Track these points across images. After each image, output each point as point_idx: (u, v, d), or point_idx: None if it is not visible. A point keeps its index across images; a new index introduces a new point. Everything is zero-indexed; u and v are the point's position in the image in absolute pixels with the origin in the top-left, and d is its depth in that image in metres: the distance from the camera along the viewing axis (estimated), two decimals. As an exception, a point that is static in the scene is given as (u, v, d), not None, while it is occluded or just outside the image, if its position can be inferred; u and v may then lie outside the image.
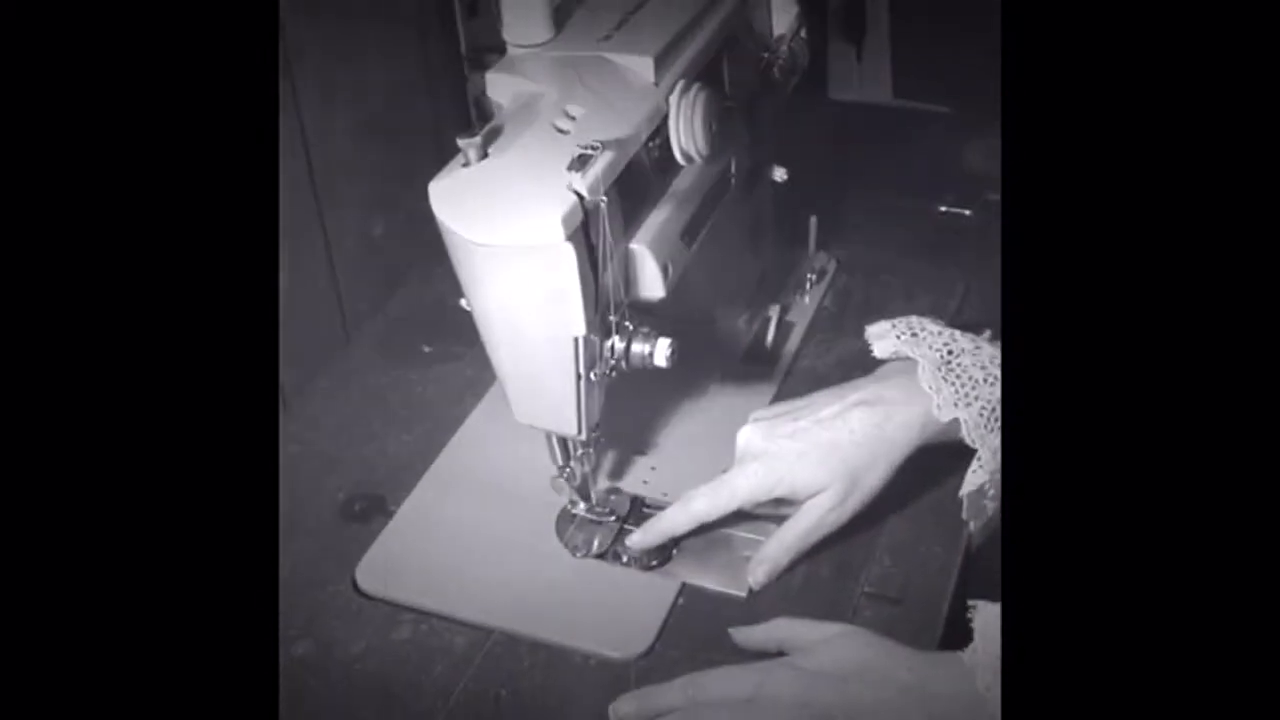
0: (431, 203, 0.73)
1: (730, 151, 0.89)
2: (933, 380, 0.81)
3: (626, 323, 0.77)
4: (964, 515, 0.84)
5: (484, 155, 0.73)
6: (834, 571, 0.82)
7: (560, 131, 0.74)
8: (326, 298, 1.05)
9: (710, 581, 0.82)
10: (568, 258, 0.70)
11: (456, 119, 1.11)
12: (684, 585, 0.81)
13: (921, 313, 0.87)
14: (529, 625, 0.79)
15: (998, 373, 0.81)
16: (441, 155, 0.74)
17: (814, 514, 0.81)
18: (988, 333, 0.86)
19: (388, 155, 1.06)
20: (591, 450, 0.82)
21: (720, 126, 0.81)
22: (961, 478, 0.82)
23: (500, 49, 0.83)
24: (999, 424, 0.80)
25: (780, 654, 0.74)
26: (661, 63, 0.80)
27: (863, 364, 0.88)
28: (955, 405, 0.80)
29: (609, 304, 0.75)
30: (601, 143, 0.71)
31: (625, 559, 0.83)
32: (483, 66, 0.86)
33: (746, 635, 0.77)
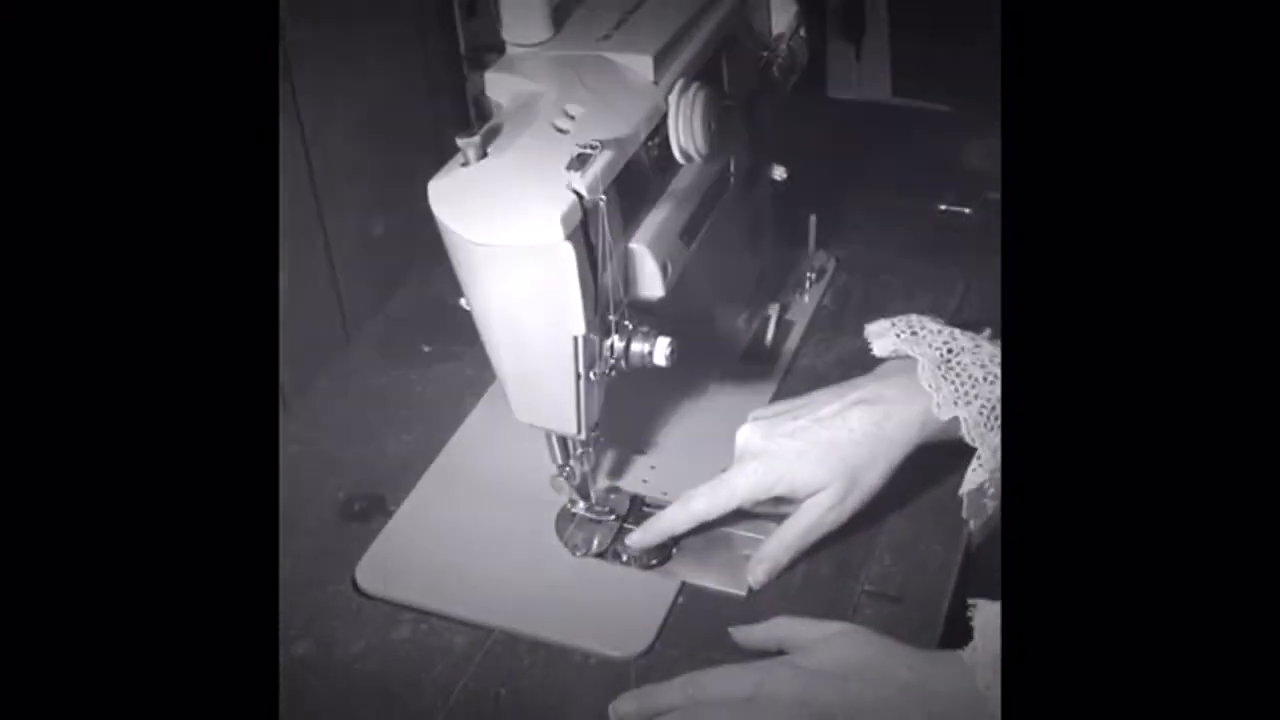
0: (431, 202, 0.73)
1: (729, 150, 0.89)
2: (932, 379, 0.81)
3: (626, 322, 0.77)
4: (964, 514, 0.84)
5: (483, 155, 0.73)
6: (834, 570, 0.82)
7: (559, 131, 0.74)
8: (326, 298, 1.05)
9: (710, 580, 0.82)
10: (567, 257, 0.70)
11: (456, 119, 1.11)
12: (684, 584, 0.81)
13: (921, 311, 0.87)
14: (529, 624, 0.79)
15: (997, 371, 0.81)
16: (441, 155, 0.74)
17: (814, 513, 0.81)
18: (987, 331, 0.85)
19: (388, 155, 1.06)
20: (591, 449, 0.82)
21: (719, 125, 0.81)
22: (961, 476, 0.82)
23: (499, 48, 0.83)
24: (999, 422, 0.80)
25: (780, 653, 0.74)
26: (660, 62, 0.80)
27: (862, 363, 0.88)
28: (955, 404, 0.80)
29: (608, 303, 0.75)
30: (600, 142, 0.71)
31: (625, 558, 0.83)
32: (482, 66, 0.86)
33: (746, 634, 0.77)
